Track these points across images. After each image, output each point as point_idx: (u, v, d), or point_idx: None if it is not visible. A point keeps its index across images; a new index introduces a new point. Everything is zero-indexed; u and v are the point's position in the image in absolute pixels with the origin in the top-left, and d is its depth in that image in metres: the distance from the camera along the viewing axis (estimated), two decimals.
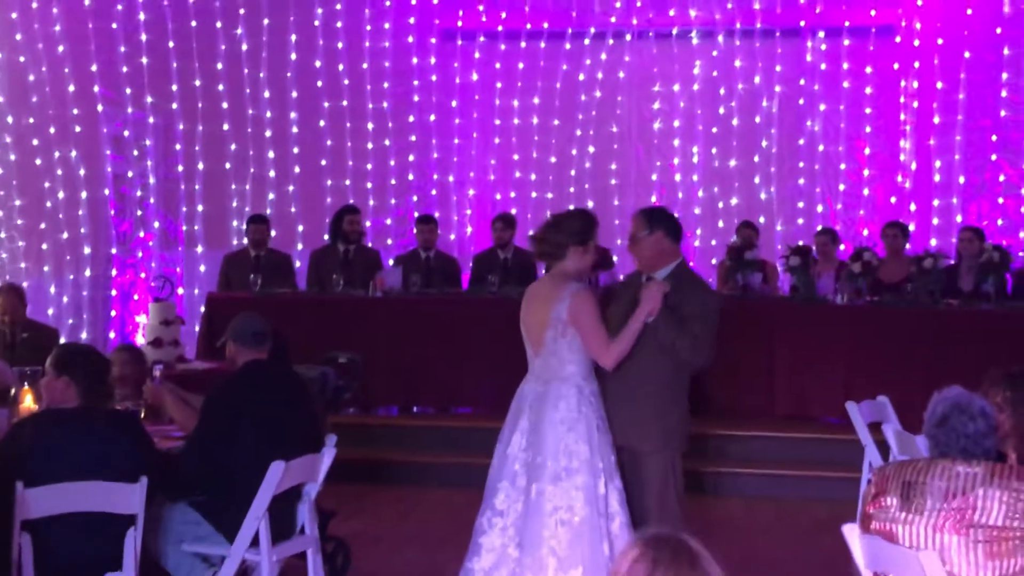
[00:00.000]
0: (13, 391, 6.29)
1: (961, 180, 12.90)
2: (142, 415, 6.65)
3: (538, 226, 6.09)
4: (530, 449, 5.75)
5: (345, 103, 13.49)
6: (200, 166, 13.27)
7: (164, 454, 5.81)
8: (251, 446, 5.74)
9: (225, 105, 13.26)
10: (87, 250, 12.52)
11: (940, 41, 12.96)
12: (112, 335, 12.72)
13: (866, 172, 13.21)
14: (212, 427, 5.81)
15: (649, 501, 5.92)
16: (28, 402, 6.36)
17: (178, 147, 13.21)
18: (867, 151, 13.21)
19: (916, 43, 13.05)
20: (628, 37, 13.59)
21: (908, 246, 11.70)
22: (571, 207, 12.86)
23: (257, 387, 5.96)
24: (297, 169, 13.41)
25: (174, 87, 13.13)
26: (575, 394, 5.78)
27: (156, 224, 13.17)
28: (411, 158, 13.69)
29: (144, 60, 12.97)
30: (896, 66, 13.11)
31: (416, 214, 12.91)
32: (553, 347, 5.77)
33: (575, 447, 5.71)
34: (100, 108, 12.70)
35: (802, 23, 13.28)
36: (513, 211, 13.01)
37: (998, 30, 12.79)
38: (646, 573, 2.39)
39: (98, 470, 5.24)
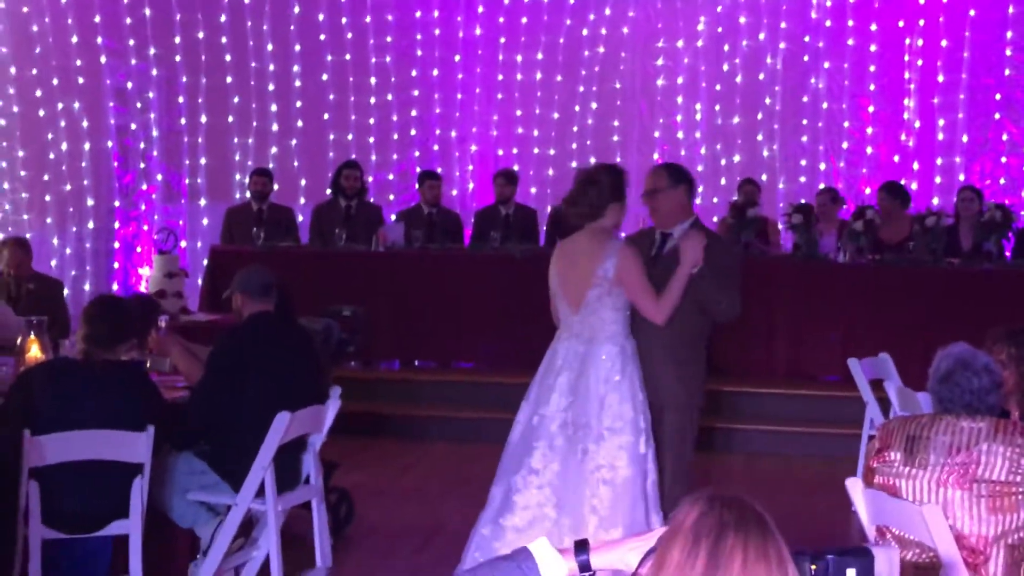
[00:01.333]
0: (20, 340, 6.30)
1: (964, 139, 12.88)
2: (147, 365, 6.70)
3: (572, 188, 5.91)
4: (571, 409, 5.71)
5: (348, 57, 13.44)
6: (203, 119, 13.23)
7: (170, 404, 5.84)
8: (256, 397, 5.77)
9: (228, 58, 13.21)
10: (90, 202, 12.53)
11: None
12: (115, 287, 12.74)
13: (869, 130, 13.18)
14: (218, 377, 5.84)
15: (665, 456, 5.93)
16: (34, 351, 6.38)
17: (181, 100, 13.17)
18: (871, 109, 13.18)
19: (921, 1, 13.00)
20: None
21: (910, 205, 11.68)
22: (574, 165, 12.93)
23: (263, 338, 5.98)
24: (300, 123, 13.38)
25: (177, 39, 13.08)
26: (619, 353, 5.76)
27: (159, 177, 13.16)
28: (414, 113, 13.66)
29: (147, 11, 12.92)
30: (901, 24, 13.05)
31: (418, 170, 12.89)
32: (596, 305, 5.74)
33: (619, 407, 5.70)
34: (103, 59, 12.67)
35: None
36: (515, 167, 13.00)
37: None
38: (714, 532, 2.29)
39: (104, 420, 5.28)
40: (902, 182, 12.11)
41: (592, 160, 13.20)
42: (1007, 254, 10.74)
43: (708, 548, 2.28)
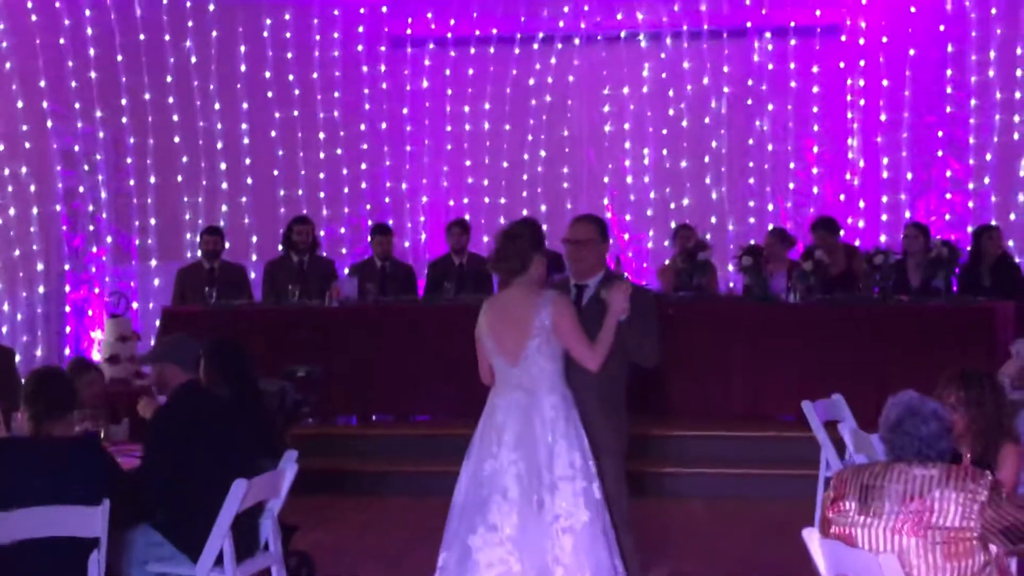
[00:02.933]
0: None
1: (908, 176, 13.06)
2: (102, 435, 6.66)
3: (495, 245, 6.04)
4: (521, 461, 5.72)
5: (296, 113, 13.48)
6: (152, 179, 13.21)
7: (127, 475, 5.79)
8: (202, 466, 5.75)
9: (176, 118, 13.22)
10: (40, 266, 12.45)
11: (885, 39, 13.11)
12: (67, 351, 12.64)
13: (815, 170, 13.35)
14: (161, 453, 5.82)
15: (610, 504, 5.95)
16: None
17: (129, 161, 13.15)
18: (815, 149, 13.36)
19: (861, 42, 13.19)
20: (577, 41, 13.66)
21: (842, 232, 11.82)
22: (525, 213, 12.99)
23: (199, 408, 5.98)
24: (249, 180, 13.39)
25: (124, 101, 13.07)
26: (561, 401, 5.81)
27: (109, 239, 13.10)
28: (364, 166, 13.70)
29: (93, 74, 12.90)
30: (842, 65, 13.26)
31: (370, 222, 12.92)
32: (536, 356, 5.78)
33: (569, 455, 5.73)
34: (49, 123, 12.63)
35: (748, 24, 13.39)
36: (467, 217, 13.05)
37: (941, 27, 12.96)
38: None
39: (58, 496, 5.22)
40: (850, 220, 12.28)
41: (543, 208, 13.31)
42: (955, 289, 10.86)
43: None
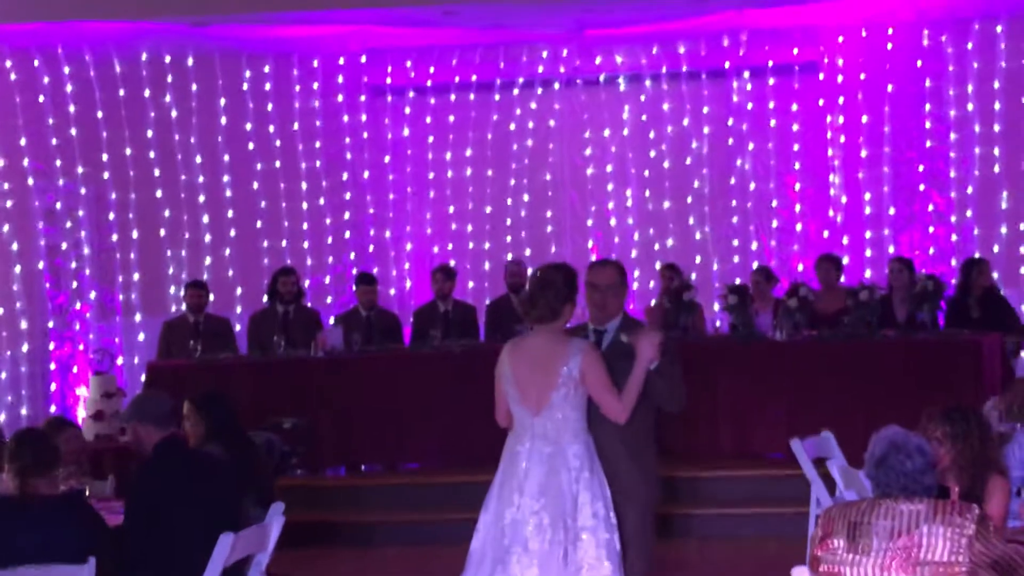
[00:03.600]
0: None
1: (891, 211, 13.09)
2: (87, 492, 6.63)
3: (527, 290, 5.96)
4: (544, 511, 5.65)
5: (278, 164, 13.47)
6: (135, 234, 13.18)
7: (114, 532, 5.76)
8: (186, 522, 5.73)
9: (157, 172, 13.19)
10: (24, 324, 12.41)
11: (863, 76, 13.15)
12: (53, 409, 12.57)
13: (798, 208, 13.38)
14: (140, 516, 5.79)
15: (628, 553, 5.88)
16: None
17: (111, 216, 13.12)
18: (797, 187, 13.38)
19: (840, 79, 13.24)
20: (556, 85, 13.69)
21: (843, 278, 11.86)
22: (509, 257, 13.00)
23: (176, 467, 5.95)
24: (233, 232, 13.36)
25: (105, 157, 13.05)
26: (584, 451, 5.75)
27: (92, 295, 13.06)
28: (347, 216, 13.69)
29: (73, 131, 12.89)
30: (821, 102, 13.29)
31: (355, 271, 12.92)
32: (562, 405, 5.72)
33: (592, 505, 5.68)
34: (31, 181, 12.61)
35: (727, 64, 13.42)
36: (452, 263, 13.05)
37: (919, 63, 13.01)
38: None
39: (44, 554, 5.20)
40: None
41: (528, 251, 13.33)
42: (940, 323, 10.87)
43: None
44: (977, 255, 12.12)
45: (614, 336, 6.05)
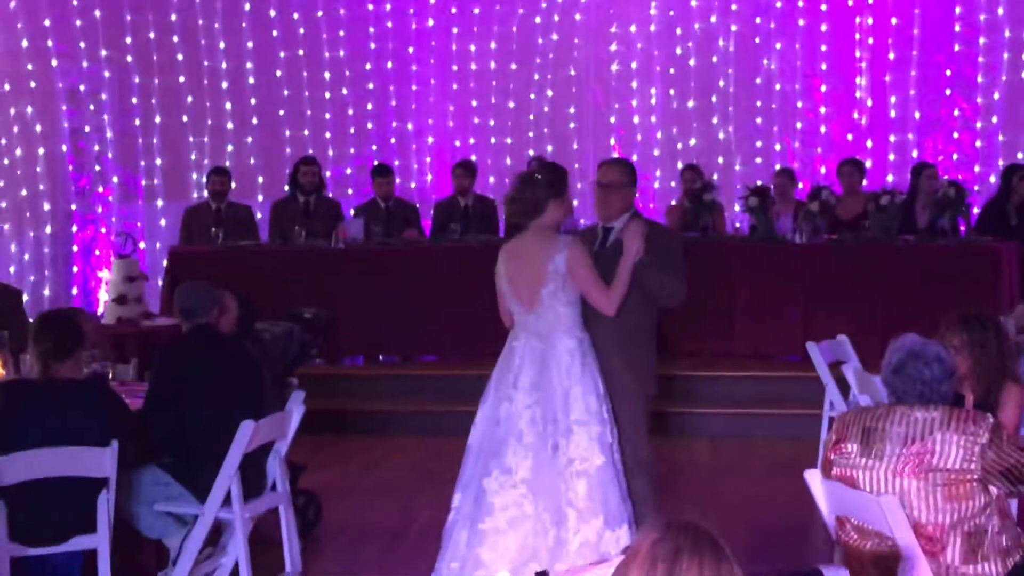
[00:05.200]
0: None
1: (917, 116, 12.99)
2: (110, 376, 6.71)
3: (510, 187, 6.01)
4: (536, 405, 5.73)
5: (301, 52, 13.40)
6: (157, 119, 13.17)
7: (134, 415, 5.84)
8: (205, 409, 5.82)
9: (180, 57, 13.15)
10: (47, 206, 12.45)
11: None
12: (75, 291, 12.69)
13: (823, 110, 13.28)
14: (162, 398, 5.89)
15: (623, 447, 5.97)
16: None
17: (134, 101, 13.10)
18: (823, 89, 13.27)
19: None
20: None
21: (865, 182, 11.81)
22: (531, 153, 12.97)
23: (199, 353, 6.03)
24: (255, 120, 13.34)
25: (128, 40, 12.99)
26: (577, 346, 5.81)
27: (115, 179, 13.09)
28: (369, 107, 13.65)
29: (97, 13, 12.82)
30: (851, 2, 13.14)
31: (375, 163, 12.91)
32: (551, 301, 5.77)
33: (584, 399, 5.74)
34: (54, 63, 12.57)
35: None
36: (473, 157, 13.03)
37: None
38: (670, 555, 2.39)
39: (67, 437, 5.30)
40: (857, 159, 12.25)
41: (549, 148, 13.28)
42: (962, 230, 10.82)
43: (664, 571, 2.35)
44: (1001, 161, 12.06)
45: (617, 233, 6.10)
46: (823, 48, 13.22)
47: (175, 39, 13.12)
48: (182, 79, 13.15)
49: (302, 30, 13.40)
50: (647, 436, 6.19)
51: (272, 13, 13.31)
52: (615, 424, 5.86)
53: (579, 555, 5.62)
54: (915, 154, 12.80)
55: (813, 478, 4.53)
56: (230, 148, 13.27)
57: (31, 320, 8.22)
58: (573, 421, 5.73)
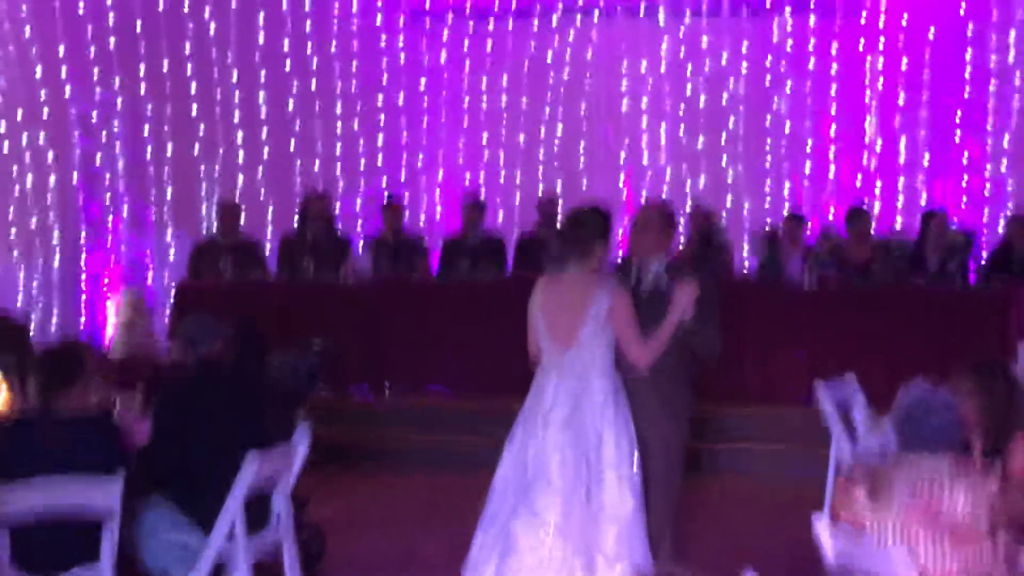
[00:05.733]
0: None
1: (926, 158, 13.00)
2: (116, 405, 6.69)
3: (562, 228, 6.04)
4: (568, 447, 5.70)
5: (314, 86, 13.46)
6: (169, 149, 13.20)
7: (137, 451, 5.83)
8: (213, 439, 5.80)
9: (193, 88, 13.20)
10: (57, 235, 12.47)
11: (905, 19, 13.01)
12: (83, 319, 12.69)
13: (832, 151, 13.27)
14: (167, 427, 5.88)
15: (652, 493, 5.94)
16: (2, 393, 6.36)
17: (147, 129, 13.13)
18: (833, 130, 13.28)
19: (881, 21, 13.09)
20: (596, 15, 13.59)
21: (872, 224, 11.80)
22: (551, 187, 12.97)
23: (206, 385, 6.01)
24: (266, 152, 13.37)
25: (142, 69, 13.05)
26: (611, 389, 5.79)
27: (125, 208, 13.11)
28: (380, 141, 13.68)
29: (112, 41, 12.88)
30: (862, 45, 13.17)
31: (385, 197, 12.92)
32: (590, 343, 5.76)
33: (617, 442, 5.73)
34: (68, 90, 12.62)
35: (768, 2, 13.31)
36: (482, 192, 13.03)
37: (962, 8, 12.86)
38: None
39: (68, 471, 5.27)
40: (866, 201, 12.27)
41: (559, 184, 13.29)
42: (971, 275, 10.81)
43: None
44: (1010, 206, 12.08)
45: (655, 277, 6.08)
46: (833, 90, 13.24)
47: (189, 69, 13.16)
48: (194, 110, 13.20)
49: (315, 63, 13.45)
50: (678, 476, 6.16)
51: (286, 46, 13.36)
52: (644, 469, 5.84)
53: None
54: (924, 197, 12.79)
55: (820, 524, 4.51)
56: (241, 180, 13.29)
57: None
58: (605, 465, 5.72)
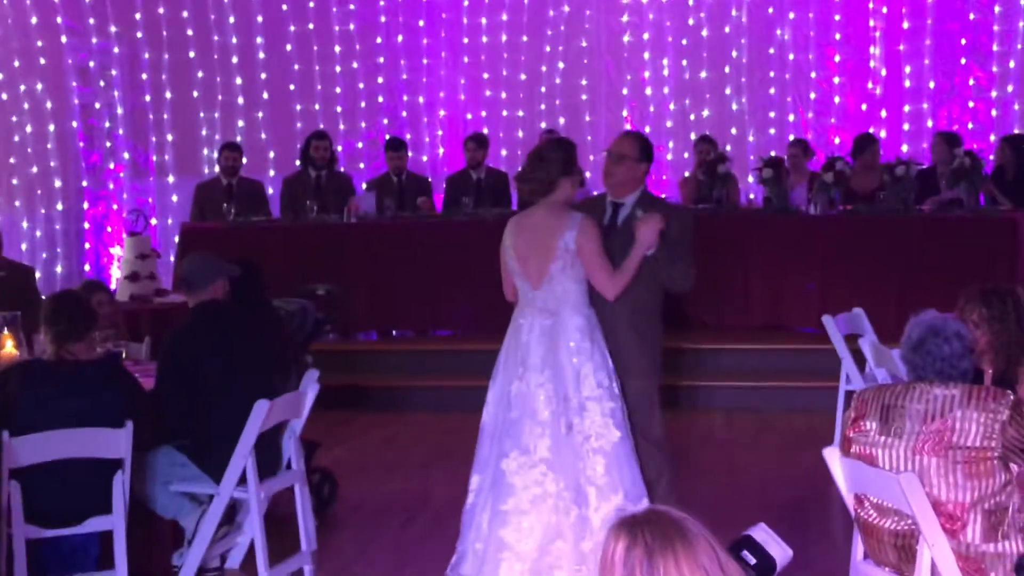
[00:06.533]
0: None
1: (931, 85, 12.89)
2: (123, 355, 6.69)
3: (522, 165, 5.97)
4: (548, 383, 5.67)
5: (311, 26, 13.35)
6: (168, 95, 13.13)
7: (149, 395, 5.82)
8: (217, 389, 5.77)
9: (190, 32, 13.11)
10: (58, 183, 12.43)
11: None
12: (87, 268, 12.68)
13: (836, 80, 13.17)
14: (172, 378, 5.84)
15: (634, 423, 5.92)
16: (9, 347, 6.36)
17: (144, 76, 13.06)
18: (837, 59, 13.16)
19: None
20: None
21: (881, 152, 11.72)
22: (543, 125, 12.91)
23: (208, 330, 5.95)
24: (266, 95, 13.29)
25: (138, 16, 12.96)
26: (585, 323, 5.74)
27: (126, 155, 13.06)
28: (380, 80, 13.59)
29: None
30: None
31: (387, 137, 12.86)
32: (560, 278, 5.70)
33: (595, 375, 5.68)
34: (64, 39, 12.52)
35: None
36: (485, 130, 12.98)
37: None
38: (644, 560, 2.38)
39: (83, 418, 5.29)
40: (871, 131, 12.18)
41: (561, 120, 13.22)
42: (980, 199, 10.74)
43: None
44: (1016, 130, 11.98)
45: (630, 212, 6.04)
46: (837, 18, 13.11)
47: (185, 14, 13.08)
48: (192, 54, 13.13)
49: (312, 3, 13.36)
50: (660, 412, 6.16)
51: None
52: (625, 401, 5.83)
53: (602, 532, 5.57)
54: (930, 123, 12.71)
55: (832, 456, 4.49)
56: (241, 123, 13.24)
57: (44, 298, 8.22)
58: (585, 398, 5.67)
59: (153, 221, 12.67)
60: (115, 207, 12.99)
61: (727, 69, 13.27)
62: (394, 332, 11.27)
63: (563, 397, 5.68)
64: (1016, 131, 12.17)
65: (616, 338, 5.87)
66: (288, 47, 13.32)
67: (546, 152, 5.84)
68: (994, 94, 12.73)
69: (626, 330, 5.92)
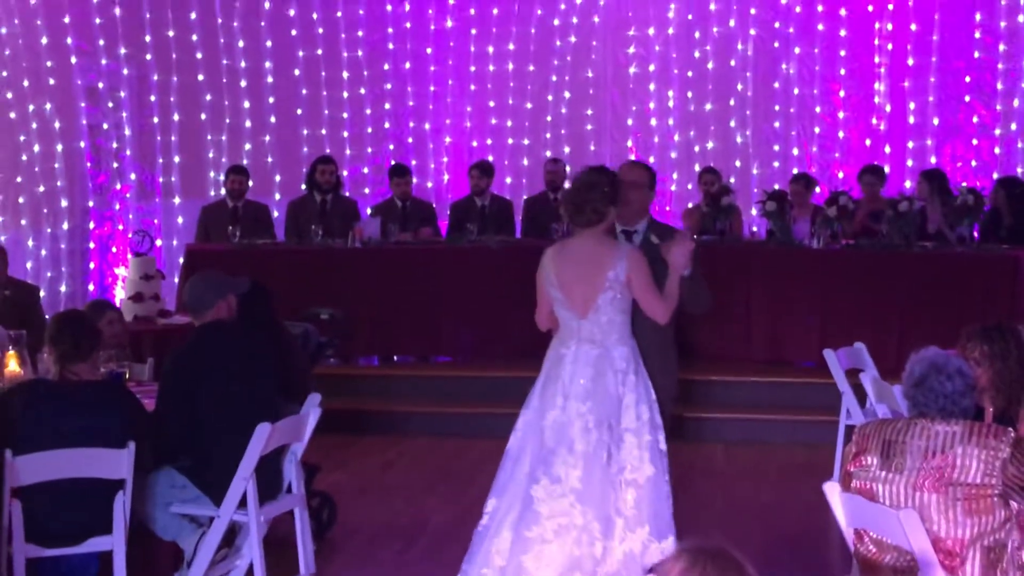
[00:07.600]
0: None
1: (935, 121, 12.94)
2: (127, 375, 6.71)
3: (569, 194, 5.91)
4: (590, 413, 5.67)
5: (320, 52, 13.41)
6: (175, 117, 13.18)
7: (151, 417, 5.83)
8: (219, 408, 5.78)
9: (199, 55, 13.16)
10: (64, 203, 12.46)
11: None
12: (91, 287, 12.70)
13: (841, 115, 13.22)
14: (172, 399, 5.84)
15: None
16: (12, 366, 6.37)
17: (153, 98, 13.11)
18: (842, 93, 13.22)
19: None
20: None
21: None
22: (548, 154, 12.94)
23: (210, 351, 5.94)
24: (273, 119, 13.34)
25: (148, 38, 13.01)
26: (631, 353, 5.77)
27: (133, 176, 13.10)
28: (387, 106, 13.64)
29: (117, 11, 12.83)
30: (870, 8, 13.08)
31: (392, 162, 12.91)
32: (608, 309, 5.72)
33: (637, 407, 5.71)
34: (74, 60, 12.59)
35: None
36: (490, 158, 13.04)
37: None
38: None
39: (85, 438, 5.30)
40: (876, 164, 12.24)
41: (567, 149, 13.26)
42: (976, 236, 10.79)
43: None
44: (1020, 170, 12.02)
45: (643, 238, 6.09)
46: (842, 53, 13.17)
47: (194, 37, 13.13)
48: (201, 77, 13.18)
49: (321, 29, 13.41)
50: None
51: (291, 12, 13.32)
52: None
53: (623, 566, 5.58)
54: (933, 160, 12.75)
55: (832, 490, 4.51)
56: (248, 147, 13.28)
57: (48, 317, 8.25)
58: (624, 429, 5.69)
59: (158, 242, 12.69)
60: (121, 227, 13.02)
61: (732, 102, 13.31)
62: (395, 357, 11.29)
63: (607, 425, 5.68)
64: (1020, 169, 12.22)
65: (651, 366, 5.89)
66: (296, 72, 13.38)
67: (594, 179, 5.83)
68: (998, 132, 12.78)
69: (658, 358, 5.96)
